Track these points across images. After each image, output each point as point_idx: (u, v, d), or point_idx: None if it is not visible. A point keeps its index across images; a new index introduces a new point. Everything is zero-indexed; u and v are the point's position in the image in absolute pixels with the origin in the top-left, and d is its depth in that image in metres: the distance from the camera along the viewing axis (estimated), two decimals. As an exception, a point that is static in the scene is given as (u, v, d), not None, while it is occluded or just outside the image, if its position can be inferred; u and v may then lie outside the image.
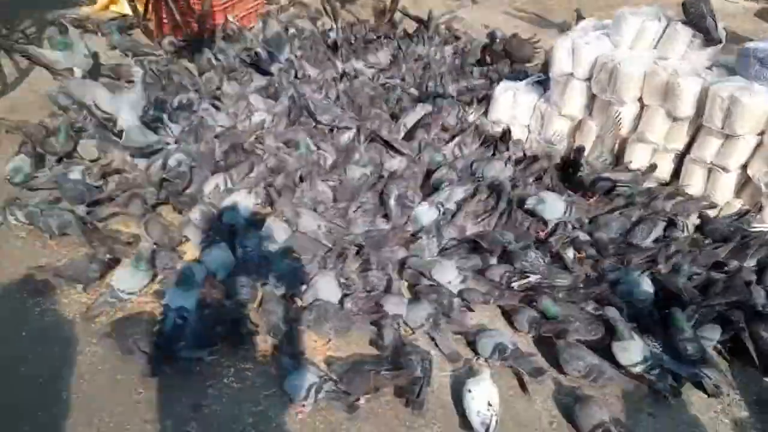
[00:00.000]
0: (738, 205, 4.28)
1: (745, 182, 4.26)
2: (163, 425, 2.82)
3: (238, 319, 3.28)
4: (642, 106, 4.46)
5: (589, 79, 4.59)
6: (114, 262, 3.56)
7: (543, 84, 5.09)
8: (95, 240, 3.75)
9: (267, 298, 3.39)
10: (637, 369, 3.10)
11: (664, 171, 4.55)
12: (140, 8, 6.79)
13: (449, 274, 3.52)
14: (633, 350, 3.09)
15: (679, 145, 4.41)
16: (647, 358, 3.08)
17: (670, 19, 4.46)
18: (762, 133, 4.05)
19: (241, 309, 3.36)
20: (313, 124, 4.99)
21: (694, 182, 4.39)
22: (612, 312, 3.20)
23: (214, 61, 5.76)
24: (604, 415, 2.84)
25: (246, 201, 3.93)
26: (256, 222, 3.86)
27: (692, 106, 4.20)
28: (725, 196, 4.31)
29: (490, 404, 2.80)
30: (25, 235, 3.85)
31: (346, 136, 4.84)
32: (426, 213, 3.97)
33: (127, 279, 3.42)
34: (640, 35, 4.51)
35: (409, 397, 2.93)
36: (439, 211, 3.98)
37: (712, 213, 4.31)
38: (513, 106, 5.05)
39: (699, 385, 3.12)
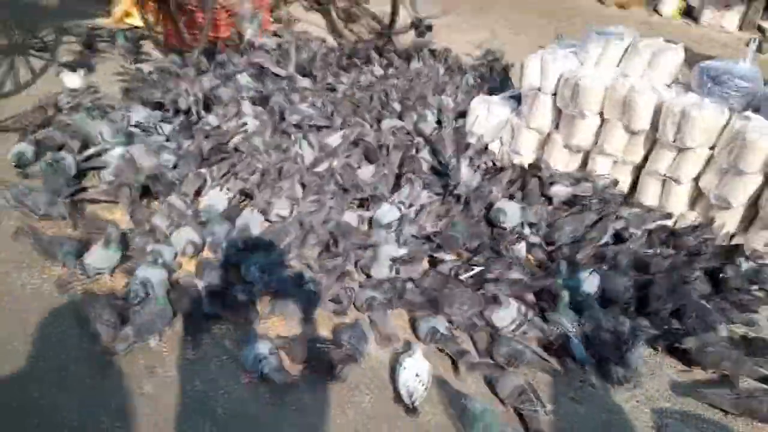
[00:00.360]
0: (692, 217, 4.49)
1: (698, 195, 4.46)
2: (119, 383, 3.10)
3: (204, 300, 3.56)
4: (603, 120, 4.70)
5: (555, 94, 4.85)
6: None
7: (517, 99, 5.35)
8: (81, 224, 4.08)
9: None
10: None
11: (624, 183, 4.77)
12: (151, 21, 7.25)
13: (384, 271, 3.80)
14: (505, 315, 3.40)
15: (637, 157, 4.64)
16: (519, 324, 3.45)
17: (633, 38, 4.72)
18: (713, 147, 4.27)
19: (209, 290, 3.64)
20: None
21: (649, 194, 4.60)
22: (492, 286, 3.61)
23: (208, 66, 6.15)
24: (521, 380, 3.11)
25: (219, 195, 4.22)
26: (227, 213, 4.16)
27: (647, 121, 4.43)
28: (679, 208, 4.51)
29: (418, 375, 3.04)
30: (17, 215, 4.17)
31: (333, 138, 5.11)
32: (387, 214, 4.23)
33: (96, 257, 3.69)
34: (604, 53, 4.76)
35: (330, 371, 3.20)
36: (400, 210, 4.24)
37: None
38: (487, 118, 5.31)
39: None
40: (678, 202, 4.50)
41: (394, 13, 7.55)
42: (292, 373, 3.21)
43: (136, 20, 7.74)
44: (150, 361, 3.24)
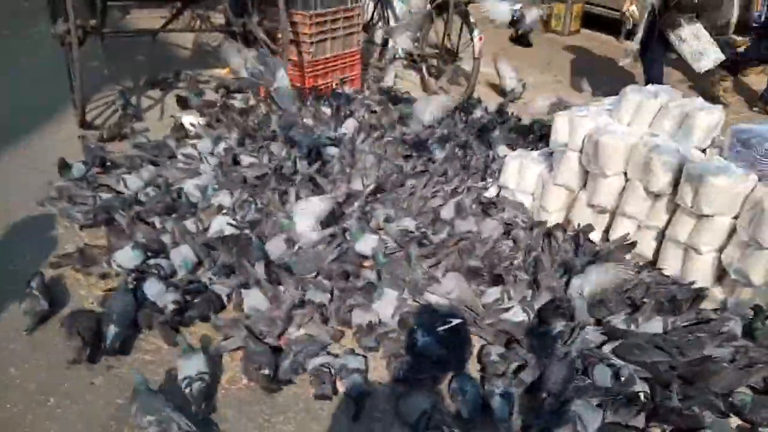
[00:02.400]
0: (717, 292, 4.02)
1: (724, 269, 4.00)
2: (77, 373, 3.47)
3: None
4: (626, 181, 4.42)
5: (582, 151, 4.66)
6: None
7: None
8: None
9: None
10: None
11: (648, 249, 4.41)
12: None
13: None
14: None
15: (660, 222, 4.28)
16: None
17: (668, 97, 4.43)
18: (736, 217, 3.85)
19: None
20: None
21: (670, 262, 4.21)
22: None
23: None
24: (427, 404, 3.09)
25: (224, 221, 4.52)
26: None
27: (666, 183, 4.10)
28: (701, 281, 4.06)
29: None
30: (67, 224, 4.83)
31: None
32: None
33: (124, 257, 4.13)
34: (637, 112, 4.52)
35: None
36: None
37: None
38: (520, 173, 5.20)
39: None
40: (699, 274, 4.07)
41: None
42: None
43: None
44: (110, 360, 3.57)
